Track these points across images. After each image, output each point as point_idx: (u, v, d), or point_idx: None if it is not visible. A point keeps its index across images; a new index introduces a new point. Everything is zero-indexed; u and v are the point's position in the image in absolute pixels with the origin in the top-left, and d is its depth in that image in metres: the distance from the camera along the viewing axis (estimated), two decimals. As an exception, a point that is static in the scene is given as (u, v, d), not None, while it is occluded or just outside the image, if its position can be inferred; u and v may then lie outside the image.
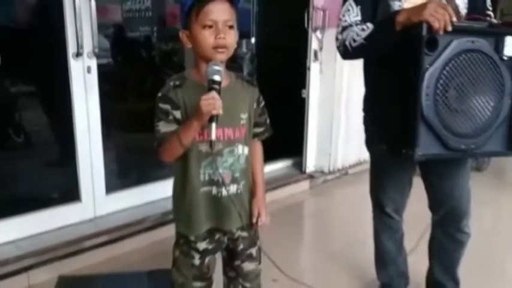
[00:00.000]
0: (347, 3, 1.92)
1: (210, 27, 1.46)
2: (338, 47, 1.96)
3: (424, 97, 1.69)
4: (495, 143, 1.85)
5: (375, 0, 1.90)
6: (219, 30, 1.46)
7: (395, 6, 1.88)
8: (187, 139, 1.48)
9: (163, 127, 1.52)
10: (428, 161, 1.83)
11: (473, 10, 1.98)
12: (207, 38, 1.47)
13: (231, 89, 1.58)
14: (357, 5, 1.90)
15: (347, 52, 1.91)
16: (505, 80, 1.78)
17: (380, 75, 1.96)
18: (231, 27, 1.49)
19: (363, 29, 1.83)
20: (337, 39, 1.95)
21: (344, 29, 1.91)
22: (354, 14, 1.89)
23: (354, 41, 1.85)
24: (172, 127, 1.51)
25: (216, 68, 1.44)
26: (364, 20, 1.87)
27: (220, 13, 1.46)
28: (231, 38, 1.49)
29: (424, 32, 1.63)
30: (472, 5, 1.99)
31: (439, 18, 1.60)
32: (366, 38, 1.82)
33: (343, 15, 1.92)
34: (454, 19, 1.63)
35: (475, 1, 2.00)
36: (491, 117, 1.79)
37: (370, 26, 1.83)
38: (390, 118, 1.87)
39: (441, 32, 1.62)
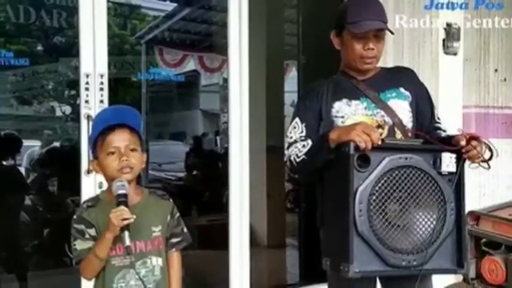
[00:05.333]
0: (294, 121, 1.78)
1: (113, 153, 1.43)
2: (285, 162, 1.78)
3: (358, 212, 1.47)
4: (442, 259, 1.57)
5: (319, 117, 1.75)
6: (122, 153, 1.42)
7: (339, 122, 1.71)
8: (102, 252, 1.38)
9: (80, 245, 1.41)
10: (366, 277, 1.56)
11: (422, 122, 1.79)
12: (112, 162, 1.43)
13: (142, 204, 1.49)
14: (302, 122, 1.75)
15: (293, 166, 1.73)
16: (446, 195, 1.54)
17: (324, 190, 1.75)
18: (133, 150, 1.45)
19: (304, 146, 1.68)
20: (284, 155, 1.79)
21: (290, 145, 1.75)
22: (299, 131, 1.74)
23: (297, 156, 1.69)
24: (89, 244, 1.40)
25: (119, 183, 1.38)
26: (308, 136, 1.71)
27: (120, 140, 1.44)
28: (134, 158, 1.45)
29: (352, 150, 1.46)
30: (419, 118, 1.79)
31: (364, 139, 1.43)
32: (306, 154, 1.66)
33: (290, 132, 1.77)
34: (380, 140, 1.48)
35: (421, 114, 1.80)
36: (433, 232, 1.53)
37: (310, 142, 1.68)
38: (331, 233, 1.64)
39: (368, 150, 1.44)
